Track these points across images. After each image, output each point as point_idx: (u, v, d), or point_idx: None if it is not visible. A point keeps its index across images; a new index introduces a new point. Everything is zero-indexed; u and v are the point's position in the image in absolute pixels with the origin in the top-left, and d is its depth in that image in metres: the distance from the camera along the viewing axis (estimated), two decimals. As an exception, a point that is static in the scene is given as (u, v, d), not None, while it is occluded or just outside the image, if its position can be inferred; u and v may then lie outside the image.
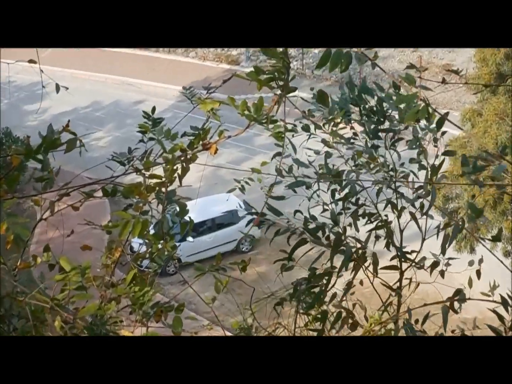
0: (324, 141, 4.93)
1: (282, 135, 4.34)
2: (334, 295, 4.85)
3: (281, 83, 4.32)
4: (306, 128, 4.95)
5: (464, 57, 31.90)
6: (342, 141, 4.88)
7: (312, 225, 4.65)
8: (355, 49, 4.13)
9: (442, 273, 5.08)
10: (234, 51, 35.13)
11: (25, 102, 33.60)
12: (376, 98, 4.95)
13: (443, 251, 4.86)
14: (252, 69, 4.29)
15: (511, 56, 18.55)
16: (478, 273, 4.86)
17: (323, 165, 4.76)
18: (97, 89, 34.35)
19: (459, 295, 4.55)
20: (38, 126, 23.34)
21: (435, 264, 5.05)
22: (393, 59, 34.55)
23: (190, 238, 22.24)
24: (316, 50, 32.71)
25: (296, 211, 4.73)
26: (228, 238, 25.77)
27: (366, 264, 5.03)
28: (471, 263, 5.09)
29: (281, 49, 4.27)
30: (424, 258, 5.04)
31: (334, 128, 4.97)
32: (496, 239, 5.05)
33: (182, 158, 4.28)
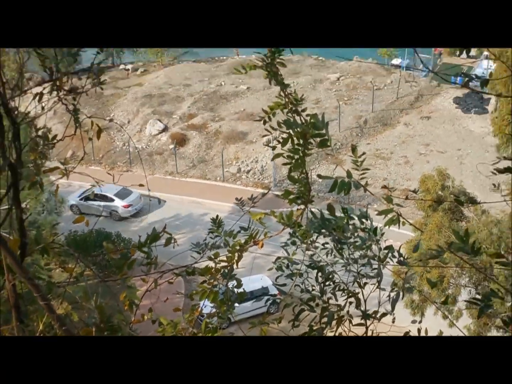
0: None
1: (306, 235, 6.51)
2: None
3: (303, 200, 6.49)
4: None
5: (415, 185, 38.89)
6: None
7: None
8: (353, 178, 5.72)
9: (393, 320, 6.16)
10: (266, 180, 49.73)
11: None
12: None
13: (392, 309, 6.13)
14: (280, 191, 6.37)
15: (445, 186, 26.27)
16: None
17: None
18: (177, 206, 49.46)
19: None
20: (138, 231, 41.09)
21: (383, 315, 6.15)
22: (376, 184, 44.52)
23: (236, 304, 23.81)
24: (321, 180, 40.98)
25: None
26: (261, 304, 35.90)
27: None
28: (413, 321, 6.37)
29: (303, 175, 5.81)
30: (383, 315, 6.15)
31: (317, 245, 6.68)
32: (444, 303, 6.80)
33: (239, 249, 6.42)
